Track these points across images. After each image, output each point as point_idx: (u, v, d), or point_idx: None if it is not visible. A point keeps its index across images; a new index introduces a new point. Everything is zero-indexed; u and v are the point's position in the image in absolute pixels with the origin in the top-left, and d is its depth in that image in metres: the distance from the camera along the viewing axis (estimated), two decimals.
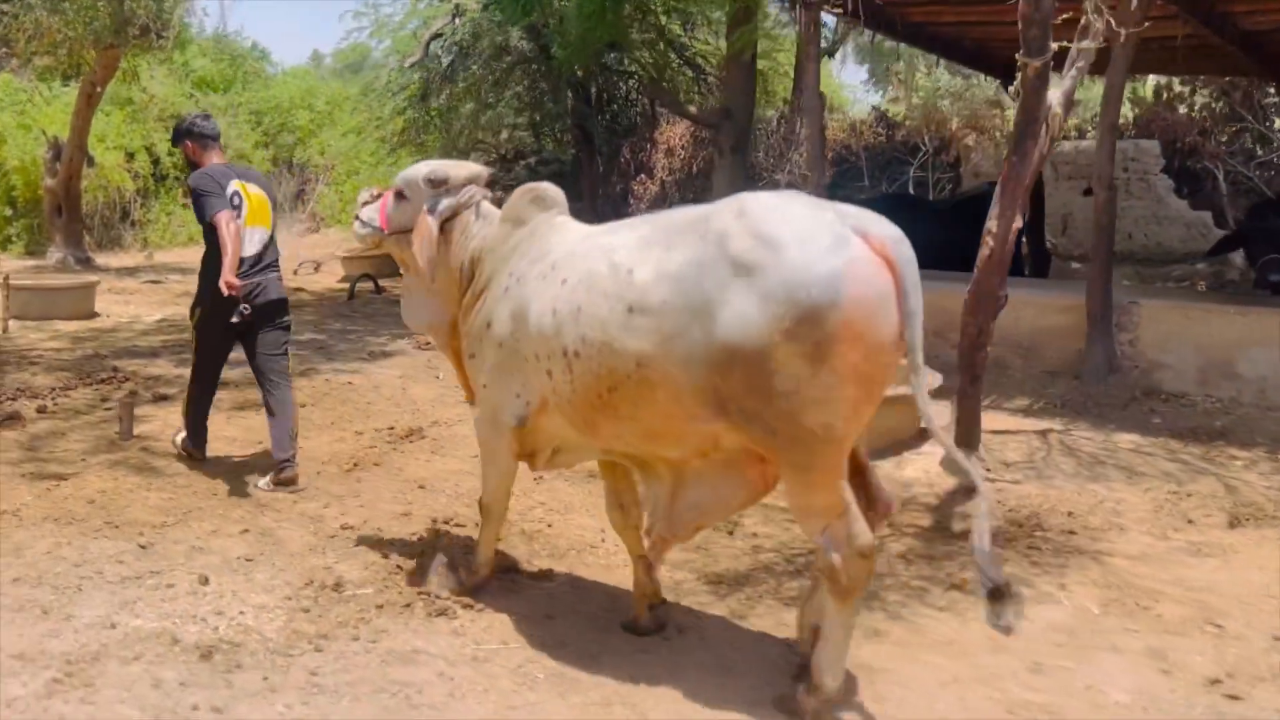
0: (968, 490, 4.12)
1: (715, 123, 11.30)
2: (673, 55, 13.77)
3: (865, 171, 17.19)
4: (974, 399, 5.70)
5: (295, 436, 5.14)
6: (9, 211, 19.53)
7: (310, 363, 8.14)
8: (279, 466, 5.02)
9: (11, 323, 9.29)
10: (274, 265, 5.28)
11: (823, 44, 12.50)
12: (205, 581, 3.82)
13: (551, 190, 3.57)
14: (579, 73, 13.95)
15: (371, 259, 14.84)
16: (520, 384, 3.27)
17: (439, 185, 3.63)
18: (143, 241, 20.48)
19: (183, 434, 5.47)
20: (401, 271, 4.24)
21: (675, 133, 16.89)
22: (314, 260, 16.16)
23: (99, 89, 16.41)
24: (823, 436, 2.60)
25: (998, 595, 2.54)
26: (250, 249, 5.08)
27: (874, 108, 20.55)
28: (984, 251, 5.44)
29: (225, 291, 4.75)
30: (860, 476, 2.91)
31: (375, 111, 17.30)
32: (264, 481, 5.05)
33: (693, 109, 12.87)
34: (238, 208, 5.04)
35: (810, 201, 2.80)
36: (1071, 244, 14.19)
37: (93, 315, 10.34)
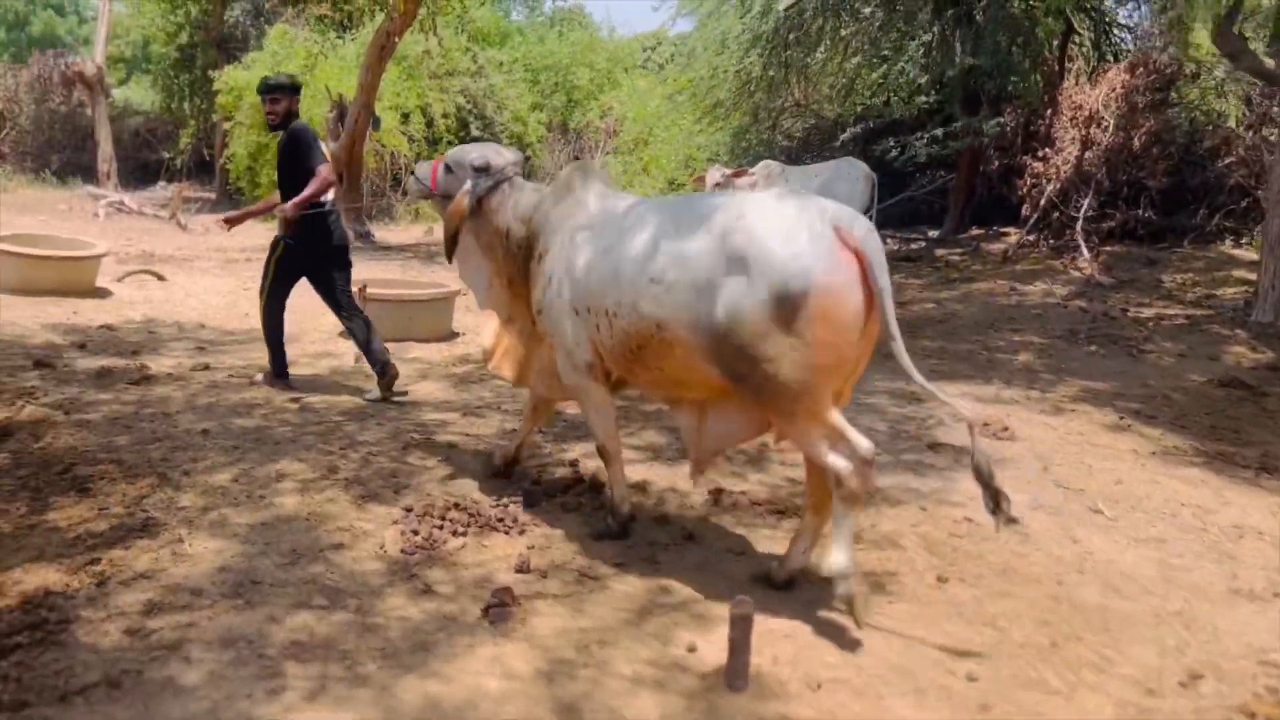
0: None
1: None
2: None
3: None
4: None
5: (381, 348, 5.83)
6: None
7: None
8: (380, 373, 5.78)
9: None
10: (339, 213, 6.02)
11: None
12: None
13: (593, 166, 4.15)
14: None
15: None
16: (577, 335, 3.71)
17: (481, 171, 4.13)
18: (414, 213, 18.37)
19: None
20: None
21: (1088, 95, 13.07)
22: None
23: (395, 38, 14.05)
24: (798, 391, 3.10)
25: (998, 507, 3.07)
26: (329, 196, 5.81)
27: None
28: None
29: (288, 214, 5.60)
30: None
31: (704, 69, 14.23)
32: (371, 394, 5.80)
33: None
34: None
35: (801, 203, 3.17)
36: None
37: (451, 336, 7.77)
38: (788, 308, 3.00)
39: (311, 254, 5.83)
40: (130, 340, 7.02)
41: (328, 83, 15.90)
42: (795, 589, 3.51)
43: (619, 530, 3.91)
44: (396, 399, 5.82)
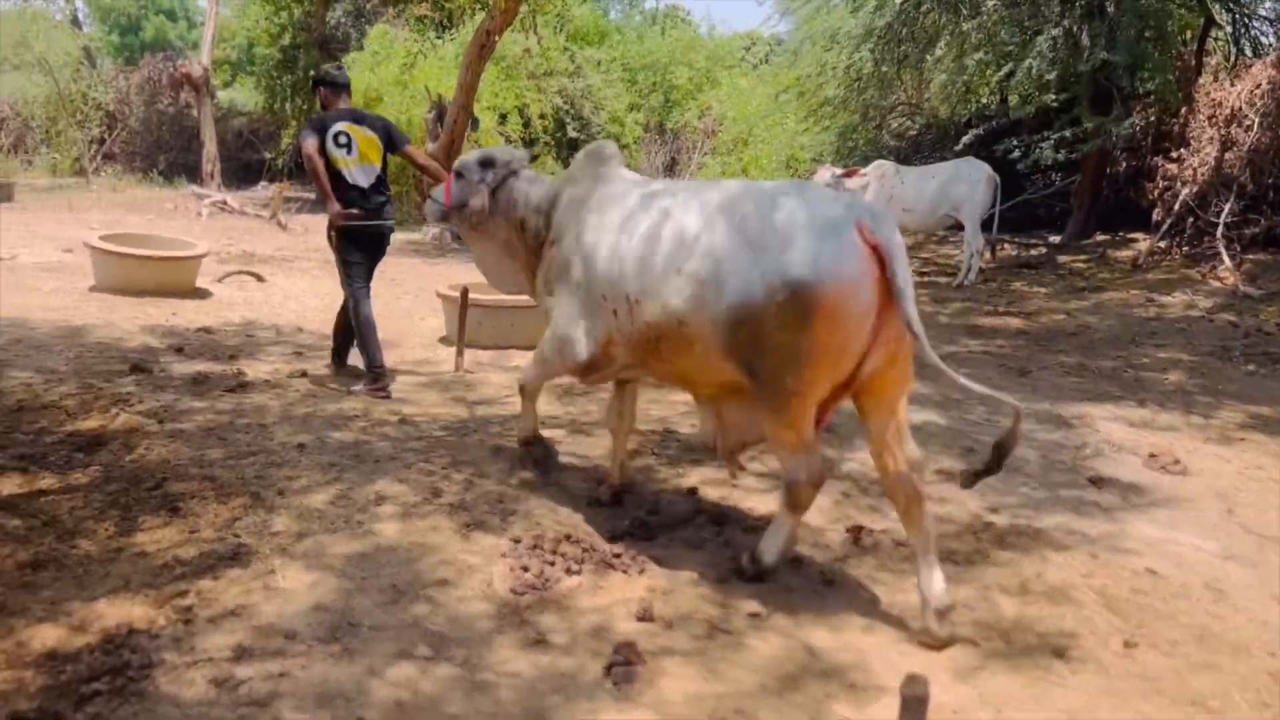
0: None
1: None
2: None
3: None
4: None
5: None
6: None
7: None
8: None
9: (466, 354, 6.49)
10: (385, 199, 6.00)
11: None
12: None
13: (609, 147, 4.08)
14: None
15: None
16: (590, 322, 3.71)
17: (487, 166, 4.22)
18: None
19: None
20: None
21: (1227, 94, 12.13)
22: None
23: (495, 37, 13.85)
24: (793, 390, 3.07)
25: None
26: (362, 181, 5.83)
27: None
28: None
29: (340, 221, 5.76)
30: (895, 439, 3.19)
31: (811, 66, 13.69)
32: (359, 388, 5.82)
33: None
34: (345, 145, 5.75)
35: (828, 196, 3.14)
36: None
37: None
38: (797, 299, 2.95)
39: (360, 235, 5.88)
40: (227, 344, 6.86)
41: (427, 83, 15.81)
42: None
43: (541, 465, 4.34)
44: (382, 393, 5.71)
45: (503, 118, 17.85)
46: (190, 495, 3.99)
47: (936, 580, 3.10)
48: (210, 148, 20.94)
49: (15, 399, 5.17)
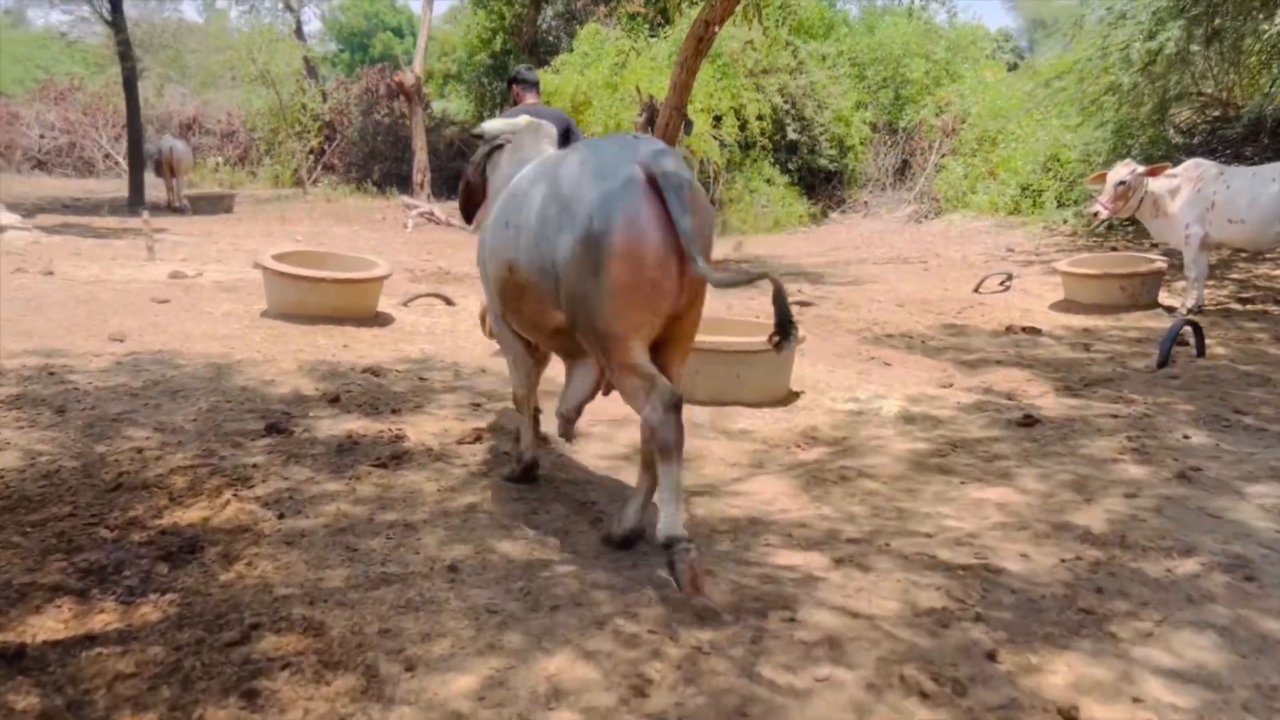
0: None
1: None
2: None
3: None
4: None
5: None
6: None
7: None
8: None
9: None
10: None
11: None
12: None
13: (546, 126, 4.23)
14: None
15: (1140, 277, 9.17)
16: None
17: (477, 138, 4.34)
18: (720, 225, 16.74)
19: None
20: None
21: None
22: (1002, 272, 10.75)
23: (715, 28, 12.37)
24: (607, 333, 3.11)
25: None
26: None
27: None
28: None
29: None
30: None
31: (1090, 49, 11.43)
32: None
33: None
34: None
35: (623, 142, 3.23)
36: None
37: (789, 398, 5.79)
38: (595, 246, 3.02)
39: None
40: (394, 390, 5.65)
41: (638, 83, 14.57)
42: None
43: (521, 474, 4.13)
44: None
45: (717, 119, 16.40)
46: (280, 664, 2.66)
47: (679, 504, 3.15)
48: (421, 157, 20.63)
49: (117, 471, 4.08)
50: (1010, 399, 5.97)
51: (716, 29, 12.25)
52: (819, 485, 4.34)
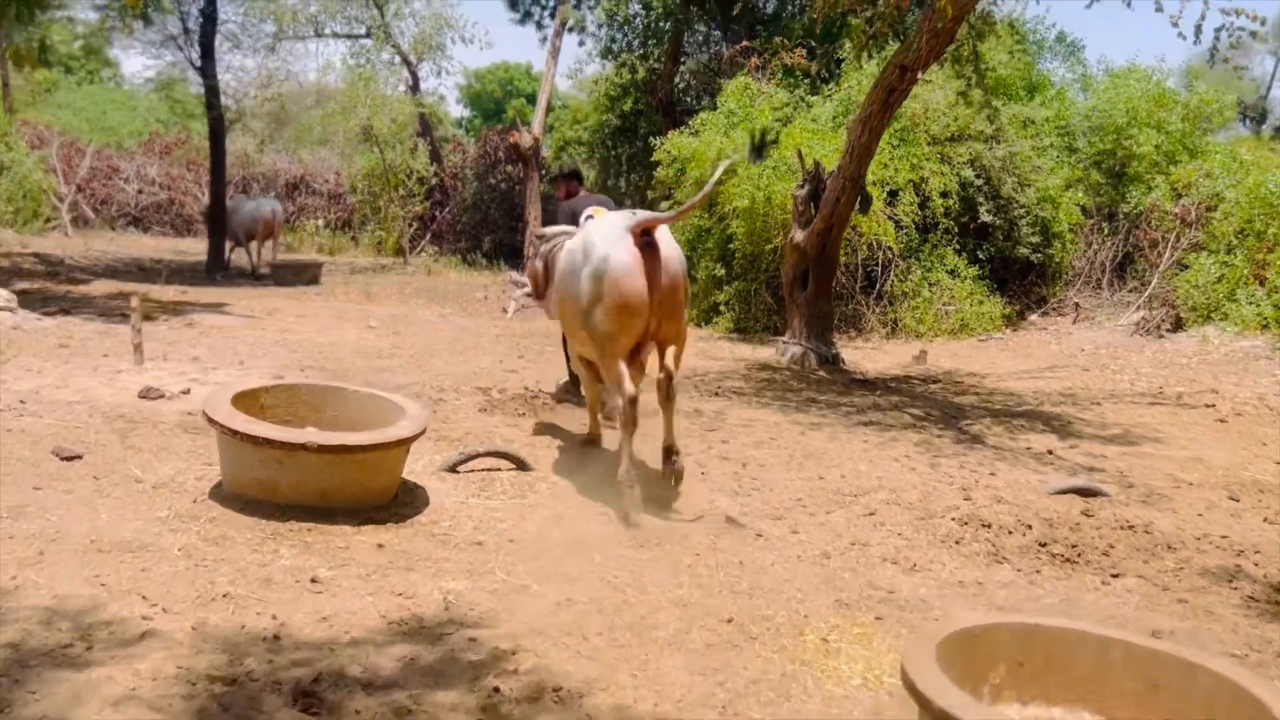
0: None
1: None
2: None
3: None
4: None
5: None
6: (721, 271, 13.64)
7: None
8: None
9: None
10: None
11: None
12: None
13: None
14: None
15: None
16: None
17: (539, 239, 6.41)
18: (890, 325, 13.41)
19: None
20: None
21: None
22: None
23: (915, 74, 9.24)
24: (600, 341, 4.88)
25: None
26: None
27: None
28: None
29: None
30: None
31: None
32: None
33: None
34: None
35: (623, 216, 5.07)
36: None
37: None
38: (599, 282, 4.73)
39: None
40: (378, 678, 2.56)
41: (799, 146, 11.52)
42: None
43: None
44: None
45: (892, 195, 13.20)
46: None
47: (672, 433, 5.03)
48: (534, 228, 18.02)
49: None
50: None
51: (919, 75, 9.11)
52: None
